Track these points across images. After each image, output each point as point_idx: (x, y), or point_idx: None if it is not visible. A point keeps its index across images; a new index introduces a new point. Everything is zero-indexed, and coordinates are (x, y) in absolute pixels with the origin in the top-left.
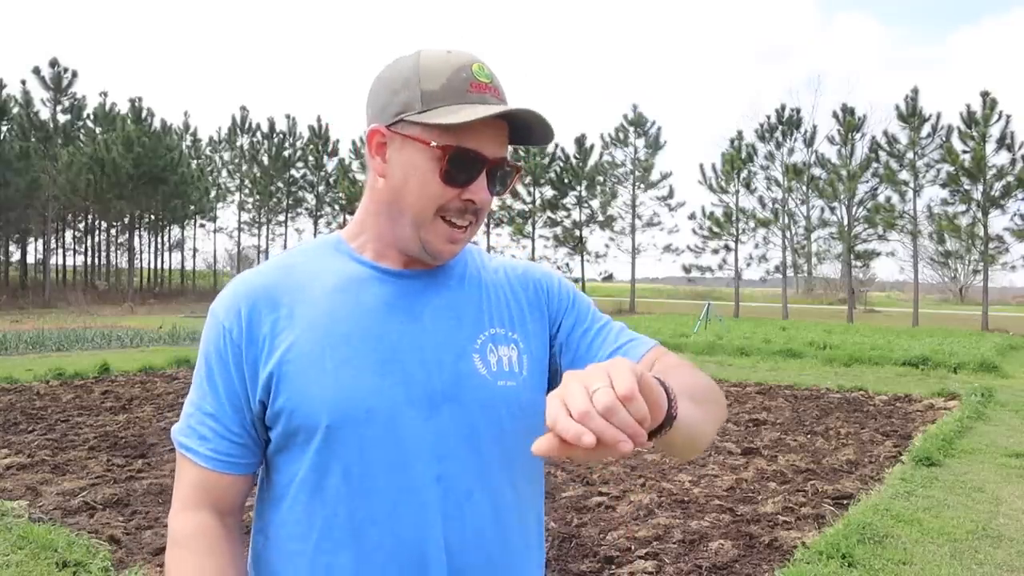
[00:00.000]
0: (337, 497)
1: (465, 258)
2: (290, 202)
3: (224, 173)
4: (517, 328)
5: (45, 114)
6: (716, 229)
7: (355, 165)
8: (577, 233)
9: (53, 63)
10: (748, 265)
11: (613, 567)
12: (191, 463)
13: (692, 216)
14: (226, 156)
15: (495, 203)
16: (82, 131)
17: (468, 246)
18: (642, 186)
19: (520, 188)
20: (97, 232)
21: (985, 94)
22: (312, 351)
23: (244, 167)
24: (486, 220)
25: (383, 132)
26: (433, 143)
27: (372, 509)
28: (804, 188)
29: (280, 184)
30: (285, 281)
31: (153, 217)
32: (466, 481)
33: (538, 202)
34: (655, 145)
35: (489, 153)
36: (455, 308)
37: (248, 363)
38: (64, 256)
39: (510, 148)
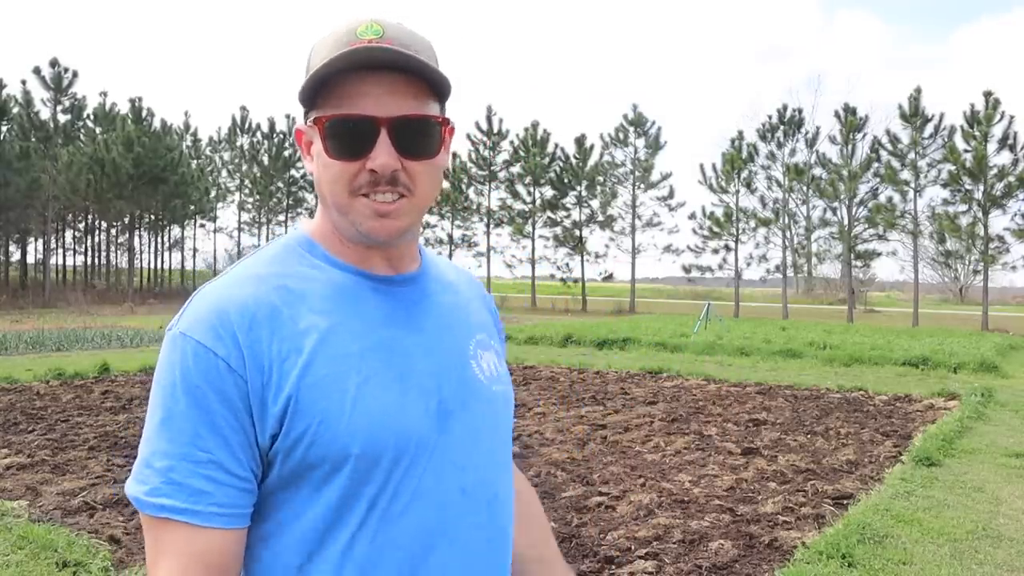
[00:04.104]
0: (355, 529)
1: (436, 261)
2: (290, 202)
3: (224, 173)
4: (489, 331)
5: (45, 114)
6: (716, 229)
7: None
8: (577, 233)
9: (53, 63)
10: (748, 265)
11: (613, 567)
12: (186, 530)
13: (692, 216)
14: (226, 156)
15: (495, 202)
16: (82, 131)
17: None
18: (642, 186)
19: (520, 188)
20: (97, 232)
21: (988, 94)
22: (331, 372)
23: (244, 167)
24: (487, 220)
25: (303, 130)
26: (314, 117)
27: (393, 535)
28: (805, 188)
29: (280, 184)
30: (273, 294)
31: (153, 217)
32: (487, 488)
33: (538, 202)
34: (655, 145)
35: (381, 112)
36: (448, 315)
37: (254, 393)
38: (64, 256)
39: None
